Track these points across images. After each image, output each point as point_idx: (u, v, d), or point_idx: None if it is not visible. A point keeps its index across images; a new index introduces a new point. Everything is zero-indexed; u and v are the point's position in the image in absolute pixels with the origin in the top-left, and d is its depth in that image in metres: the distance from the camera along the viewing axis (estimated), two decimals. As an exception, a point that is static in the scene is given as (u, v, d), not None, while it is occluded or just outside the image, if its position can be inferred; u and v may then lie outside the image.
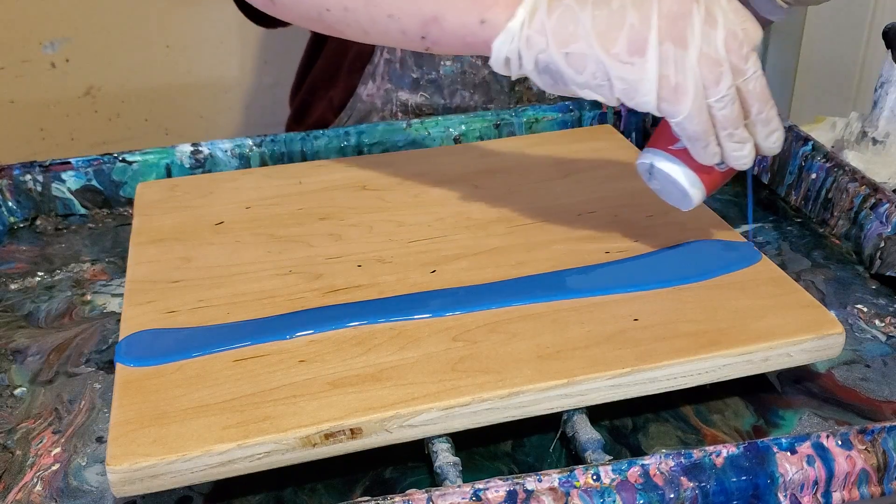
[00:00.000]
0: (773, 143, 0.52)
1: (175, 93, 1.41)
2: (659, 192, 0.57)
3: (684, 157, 0.53)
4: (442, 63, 0.83)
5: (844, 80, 1.70)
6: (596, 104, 0.79)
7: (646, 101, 0.49)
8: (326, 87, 0.94)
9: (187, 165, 0.74)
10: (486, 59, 0.82)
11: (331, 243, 0.61)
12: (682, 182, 0.54)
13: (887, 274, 0.62)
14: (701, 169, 0.54)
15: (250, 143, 0.75)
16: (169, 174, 0.73)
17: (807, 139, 0.72)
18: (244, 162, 0.74)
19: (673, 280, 0.55)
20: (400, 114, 0.88)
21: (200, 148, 0.74)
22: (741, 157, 0.52)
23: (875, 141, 0.76)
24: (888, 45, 0.74)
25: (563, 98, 0.86)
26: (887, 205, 0.64)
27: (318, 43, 0.95)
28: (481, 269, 0.57)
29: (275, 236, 0.62)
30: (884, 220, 0.63)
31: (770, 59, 1.82)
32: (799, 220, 0.71)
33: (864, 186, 0.66)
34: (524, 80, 0.83)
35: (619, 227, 0.61)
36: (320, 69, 0.94)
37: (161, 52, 1.40)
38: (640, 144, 0.80)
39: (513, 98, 0.85)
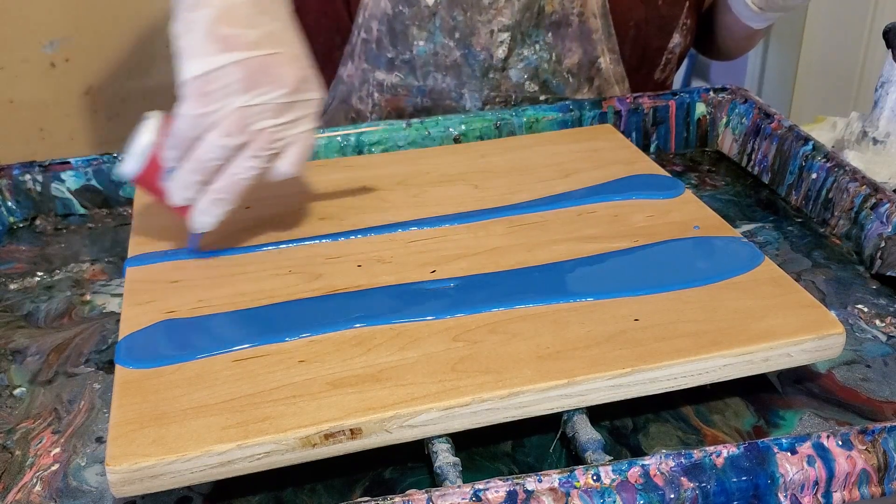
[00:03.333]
0: (199, 218, 0.56)
1: (175, 93, 1.41)
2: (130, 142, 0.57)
3: (157, 157, 0.56)
4: (415, 43, 0.83)
5: (844, 80, 1.70)
6: (596, 104, 0.79)
7: None
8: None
9: (187, 165, 0.73)
10: (457, 41, 0.83)
11: (331, 243, 0.61)
12: (137, 145, 0.56)
13: (888, 274, 0.62)
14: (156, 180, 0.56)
15: (250, 142, 0.74)
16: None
17: (807, 139, 0.72)
18: (244, 162, 0.74)
19: (674, 285, 0.54)
20: (376, 94, 0.88)
21: (200, 148, 0.74)
22: (172, 193, 0.55)
23: (875, 141, 0.76)
24: (888, 45, 0.74)
25: (561, 98, 0.86)
26: (888, 205, 0.63)
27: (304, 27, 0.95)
28: (481, 269, 0.57)
29: (275, 236, 0.62)
30: (884, 220, 0.63)
31: (771, 58, 1.82)
32: (799, 220, 0.71)
33: (864, 186, 0.66)
34: (500, 68, 0.84)
35: (619, 227, 0.61)
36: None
37: (160, 52, 1.39)
38: (640, 144, 0.80)
39: (486, 85, 0.85)
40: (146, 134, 0.56)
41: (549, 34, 0.83)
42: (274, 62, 0.54)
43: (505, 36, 0.83)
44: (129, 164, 0.57)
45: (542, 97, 0.86)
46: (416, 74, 0.85)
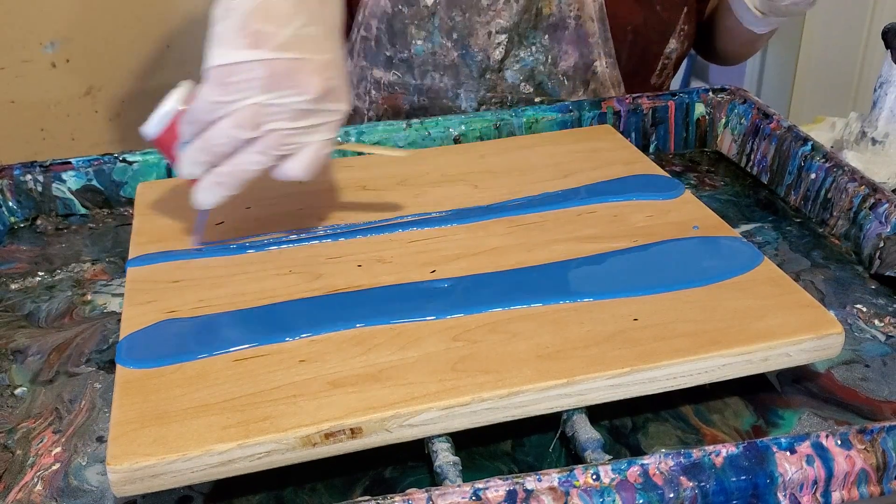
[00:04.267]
0: (200, 195, 0.56)
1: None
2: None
3: (176, 127, 0.57)
4: (413, 42, 0.84)
5: (843, 81, 1.70)
6: (595, 105, 0.79)
7: None
8: None
9: (187, 165, 0.74)
10: (455, 42, 0.83)
11: (331, 243, 0.61)
12: (160, 110, 0.58)
13: (886, 274, 0.62)
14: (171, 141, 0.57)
15: (250, 143, 0.74)
16: (169, 174, 0.73)
17: (806, 139, 0.72)
18: (244, 162, 0.74)
19: (674, 285, 0.55)
20: (373, 91, 0.88)
21: (201, 148, 0.74)
22: (179, 165, 0.56)
23: (874, 141, 0.76)
24: (887, 46, 0.74)
25: (557, 101, 0.86)
26: (886, 205, 0.64)
27: None
28: (481, 269, 0.57)
29: (275, 236, 0.62)
30: (883, 220, 0.63)
31: (770, 59, 1.82)
32: (798, 220, 0.71)
33: (863, 186, 0.66)
34: (496, 69, 0.84)
35: (618, 227, 0.61)
36: None
37: (161, 52, 1.40)
38: (640, 144, 0.80)
39: (483, 85, 0.85)
40: (170, 101, 0.58)
41: (546, 36, 0.83)
42: (301, 68, 0.53)
43: (502, 38, 0.83)
44: (150, 126, 0.58)
45: (538, 99, 0.86)
46: (414, 73, 0.86)
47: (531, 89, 0.86)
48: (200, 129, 0.54)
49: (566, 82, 0.85)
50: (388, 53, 0.86)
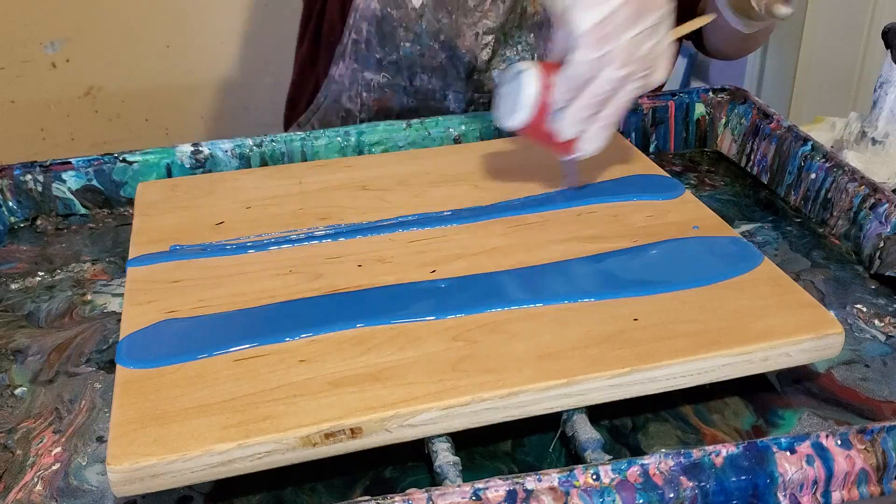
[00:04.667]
0: (588, 145, 0.60)
1: (175, 93, 1.41)
2: (501, 96, 0.62)
3: (545, 104, 0.59)
4: (402, 44, 0.84)
5: (844, 81, 1.70)
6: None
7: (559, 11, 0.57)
8: (311, 68, 0.95)
9: (187, 165, 0.74)
10: (442, 43, 0.83)
11: (331, 243, 0.61)
12: (526, 96, 0.59)
13: (886, 274, 0.62)
14: (543, 122, 0.60)
15: (250, 143, 0.75)
16: (169, 174, 0.73)
17: (806, 139, 0.72)
18: (244, 162, 0.75)
19: (674, 285, 0.55)
20: (364, 93, 0.88)
21: (201, 148, 0.74)
22: (562, 130, 0.60)
23: (874, 141, 0.76)
24: (887, 46, 0.74)
25: None
26: (886, 205, 0.64)
27: (305, 23, 0.96)
28: (481, 269, 0.57)
29: (275, 236, 0.62)
30: (883, 219, 0.63)
31: (770, 59, 1.82)
32: (798, 219, 0.71)
33: (863, 186, 0.66)
34: (484, 70, 0.84)
35: (618, 227, 0.61)
36: (306, 50, 0.95)
37: (161, 52, 1.40)
38: (640, 144, 0.80)
39: (470, 86, 0.85)
40: (531, 85, 0.59)
41: (532, 35, 0.84)
42: None
43: (489, 38, 0.83)
44: (521, 116, 0.60)
45: None
46: (403, 75, 0.86)
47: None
48: (579, 89, 0.58)
49: None
50: (378, 56, 0.86)
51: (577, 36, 0.56)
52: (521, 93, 0.59)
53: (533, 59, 0.84)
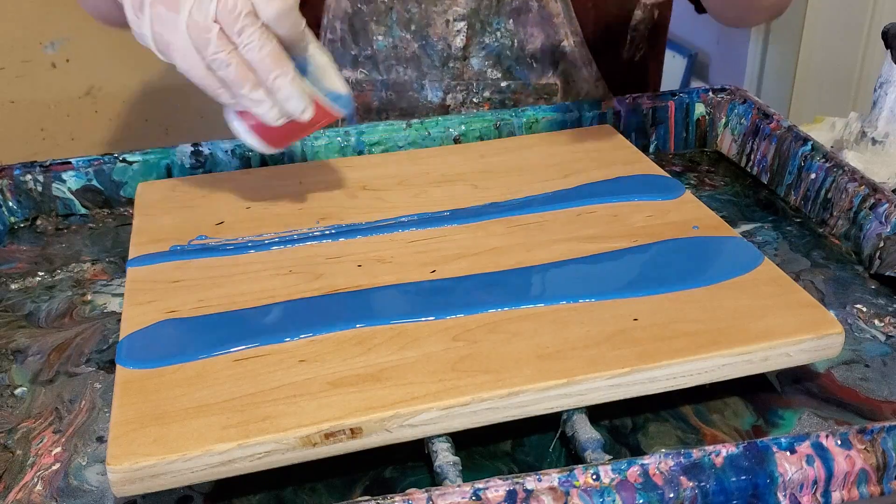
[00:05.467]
0: (291, 108, 0.58)
1: (175, 93, 1.41)
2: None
3: (245, 114, 0.60)
4: (375, 38, 0.85)
5: (844, 80, 1.70)
6: (595, 104, 0.79)
7: (152, 49, 0.59)
8: None
9: (187, 165, 0.74)
10: (414, 33, 0.84)
11: (331, 243, 0.61)
12: (243, 136, 0.61)
13: (887, 274, 0.62)
14: (259, 126, 0.60)
15: (250, 143, 0.75)
16: (169, 174, 0.73)
17: (806, 139, 0.72)
18: (244, 162, 0.75)
19: (674, 285, 0.55)
20: None
21: (201, 148, 0.74)
22: (263, 114, 0.58)
23: (874, 141, 0.76)
24: (887, 46, 0.74)
25: (525, 84, 0.86)
26: (886, 205, 0.64)
27: None
28: (481, 269, 0.57)
29: (275, 236, 0.62)
30: (883, 220, 0.63)
31: (770, 59, 1.82)
32: (798, 219, 0.71)
33: (863, 186, 0.66)
34: (460, 58, 0.84)
35: (618, 228, 0.61)
36: None
37: (161, 53, 1.39)
38: (640, 144, 0.80)
39: (446, 74, 0.86)
40: (233, 125, 0.61)
41: (511, 21, 0.84)
42: None
43: (461, 25, 0.84)
44: (257, 144, 0.62)
45: (505, 83, 0.86)
46: (379, 69, 0.87)
47: (499, 74, 0.86)
48: (220, 81, 0.57)
49: (535, 65, 0.86)
50: (353, 53, 0.87)
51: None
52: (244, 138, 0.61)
53: (513, 45, 0.85)
